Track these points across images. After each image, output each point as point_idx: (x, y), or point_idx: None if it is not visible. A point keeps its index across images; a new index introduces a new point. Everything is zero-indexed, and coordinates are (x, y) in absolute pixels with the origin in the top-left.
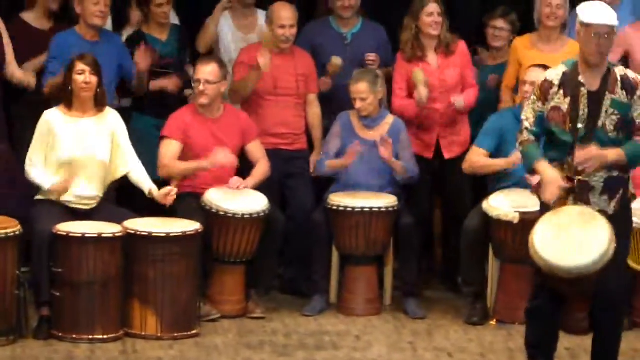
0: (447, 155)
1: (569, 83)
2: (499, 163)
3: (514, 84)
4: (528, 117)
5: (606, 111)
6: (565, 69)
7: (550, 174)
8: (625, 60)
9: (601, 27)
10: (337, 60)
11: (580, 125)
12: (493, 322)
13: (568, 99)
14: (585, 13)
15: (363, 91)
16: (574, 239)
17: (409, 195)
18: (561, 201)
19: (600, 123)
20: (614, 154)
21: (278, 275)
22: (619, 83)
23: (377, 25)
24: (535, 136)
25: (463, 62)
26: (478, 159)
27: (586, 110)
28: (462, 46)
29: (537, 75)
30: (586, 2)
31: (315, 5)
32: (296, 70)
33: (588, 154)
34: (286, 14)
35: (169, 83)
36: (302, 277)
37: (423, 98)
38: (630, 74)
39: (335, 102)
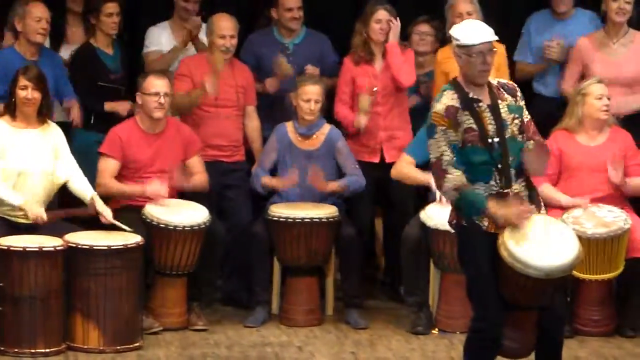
0: (389, 160)
1: (467, 103)
2: (422, 179)
3: None
4: (444, 151)
5: (508, 118)
6: (452, 92)
7: (505, 212)
8: None
9: (483, 46)
10: (286, 67)
11: (495, 139)
12: (435, 331)
13: (472, 119)
14: (463, 35)
15: (319, 93)
16: (547, 242)
17: (350, 205)
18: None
19: (509, 132)
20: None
21: (219, 287)
22: (501, 90)
23: (321, 34)
24: (460, 165)
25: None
26: (405, 167)
27: (493, 123)
28: (409, 54)
29: None
30: (459, 24)
31: (257, 16)
32: (236, 82)
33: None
34: (226, 24)
35: (121, 108)
36: (244, 289)
37: (361, 125)
38: (502, 80)
39: (276, 112)
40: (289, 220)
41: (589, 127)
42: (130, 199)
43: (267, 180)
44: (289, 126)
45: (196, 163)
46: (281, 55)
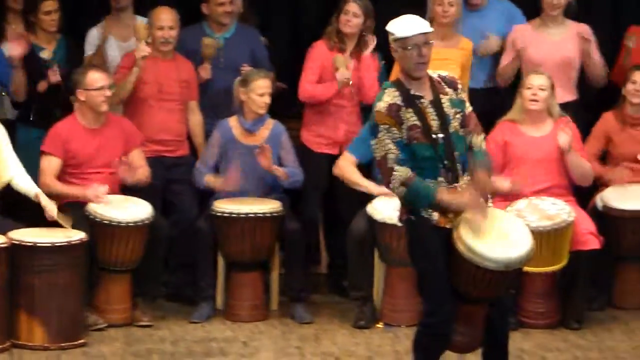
0: None
1: (409, 100)
2: (366, 186)
3: None
4: (389, 149)
5: (450, 113)
6: (394, 89)
7: (460, 199)
8: None
9: (417, 38)
10: (209, 40)
11: (439, 135)
12: (380, 325)
13: (416, 115)
14: (397, 28)
15: (269, 86)
16: (502, 235)
17: (295, 199)
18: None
19: (452, 127)
20: (488, 182)
21: (164, 282)
22: (442, 83)
23: (251, 28)
24: (406, 162)
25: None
26: (347, 167)
27: (436, 118)
28: (376, 59)
29: None
30: (395, 19)
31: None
32: (179, 75)
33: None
34: (165, 16)
35: (50, 76)
36: (188, 284)
37: (345, 79)
38: (443, 72)
39: (217, 107)
40: (233, 215)
41: (529, 118)
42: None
43: (210, 180)
44: (233, 121)
45: (137, 156)
46: (209, 38)
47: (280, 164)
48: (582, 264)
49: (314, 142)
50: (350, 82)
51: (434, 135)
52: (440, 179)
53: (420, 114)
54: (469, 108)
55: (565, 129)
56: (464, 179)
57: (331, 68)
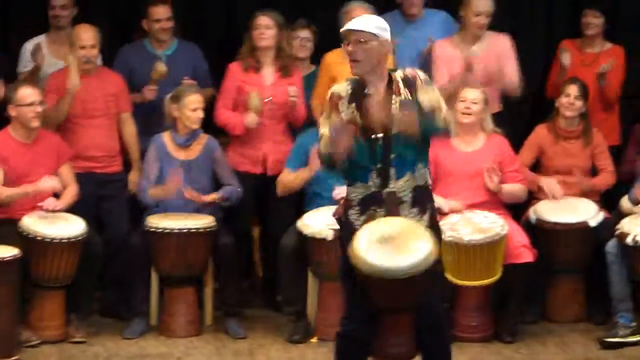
0: (271, 172)
1: (357, 96)
2: (303, 174)
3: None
4: (324, 133)
5: (397, 114)
6: (349, 83)
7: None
8: None
9: (346, 33)
10: (161, 67)
11: (378, 136)
12: (314, 340)
13: (357, 111)
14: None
15: (201, 101)
16: (398, 244)
17: (228, 214)
18: (370, 216)
19: (396, 128)
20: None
21: (98, 298)
22: (401, 84)
23: (193, 45)
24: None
25: (297, 82)
26: (285, 178)
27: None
28: (296, 70)
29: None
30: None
31: (133, 28)
32: (104, 90)
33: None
34: (86, 35)
35: None
36: (122, 300)
37: (252, 125)
38: (408, 70)
39: (154, 119)
40: (166, 231)
41: (462, 131)
42: (13, 206)
43: (154, 192)
44: (166, 136)
45: (66, 172)
46: (160, 64)
47: (216, 180)
48: (516, 277)
49: (238, 161)
50: (267, 99)
51: (372, 136)
52: (370, 183)
53: (362, 112)
54: (429, 104)
55: (492, 172)
56: (400, 184)
57: (244, 91)
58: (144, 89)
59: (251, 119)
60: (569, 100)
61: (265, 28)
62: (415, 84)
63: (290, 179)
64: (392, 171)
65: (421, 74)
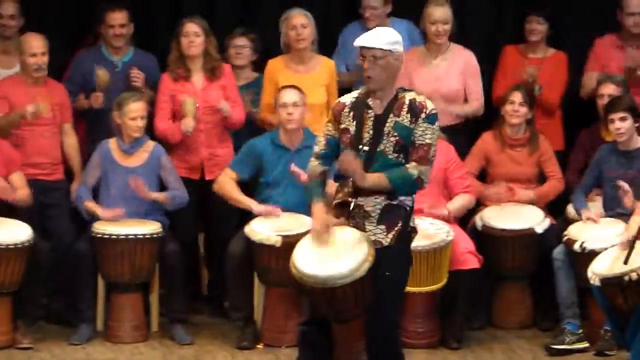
0: (209, 177)
1: (359, 106)
2: (247, 203)
3: (273, 106)
4: (319, 140)
5: (387, 133)
6: (360, 92)
7: (316, 218)
8: None
9: (361, 50)
10: (103, 74)
11: (365, 148)
12: (260, 346)
13: (355, 122)
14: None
15: (144, 109)
16: (332, 254)
17: (174, 220)
18: (339, 223)
19: (382, 146)
20: (373, 176)
21: (44, 305)
22: (405, 107)
23: (148, 54)
24: (323, 159)
25: (229, 84)
26: (227, 183)
27: (371, 132)
28: (227, 69)
29: (290, 96)
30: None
31: (86, 34)
32: (52, 99)
33: (349, 162)
34: (36, 43)
35: None
36: (68, 306)
37: (189, 129)
38: (419, 98)
39: (101, 127)
40: (113, 237)
41: None
42: None
43: (91, 206)
44: (112, 143)
45: (18, 179)
46: (99, 67)
47: (162, 186)
48: (462, 284)
49: (177, 168)
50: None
51: (359, 146)
52: (346, 189)
53: (359, 123)
54: (421, 140)
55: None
56: (371, 200)
57: (177, 100)
58: (90, 97)
59: (187, 124)
60: (514, 107)
61: (195, 36)
62: (420, 115)
63: (228, 193)
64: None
65: (429, 107)
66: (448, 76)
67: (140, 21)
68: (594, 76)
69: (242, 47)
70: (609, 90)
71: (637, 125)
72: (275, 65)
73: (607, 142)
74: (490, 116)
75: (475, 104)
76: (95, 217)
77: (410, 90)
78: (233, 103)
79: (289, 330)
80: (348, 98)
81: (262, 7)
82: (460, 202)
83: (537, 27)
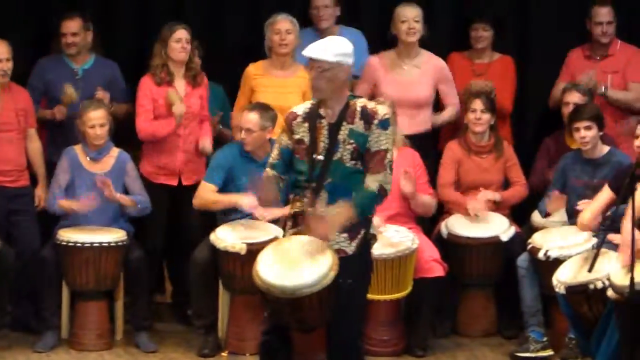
0: (186, 182)
1: (312, 116)
2: (230, 200)
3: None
4: (274, 151)
5: (343, 141)
6: (312, 102)
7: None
8: None
9: (309, 60)
10: (71, 91)
11: (319, 157)
12: (225, 354)
13: (309, 132)
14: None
15: (103, 116)
16: (296, 263)
17: (140, 227)
18: (297, 232)
19: (338, 155)
20: (343, 215)
21: (9, 312)
22: (358, 114)
23: (110, 61)
24: (277, 168)
25: (204, 95)
26: (208, 195)
27: (326, 141)
28: (205, 79)
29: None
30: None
31: (49, 41)
32: (16, 105)
33: (319, 228)
34: (1, 49)
35: None
36: (33, 314)
37: (181, 113)
38: (370, 104)
39: (66, 134)
40: (77, 244)
41: None
42: None
43: (64, 203)
44: (78, 149)
45: None
46: (68, 83)
47: (126, 192)
48: (427, 291)
49: (153, 173)
50: (184, 109)
51: (314, 155)
52: (305, 200)
53: (313, 132)
54: (376, 147)
55: (407, 176)
56: (327, 208)
57: (164, 103)
58: (55, 108)
59: (180, 108)
60: (476, 115)
61: (186, 42)
62: (372, 121)
63: (212, 198)
64: (325, 195)
65: (381, 113)
66: (419, 83)
67: (104, 29)
68: (562, 86)
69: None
70: (574, 98)
71: (601, 134)
72: (253, 69)
73: (571, 150)
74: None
75: (452, 108)
76: (61, 223)
77: (359, 97)
78: (204, 116)
79: (253, 337)
80: (300, 108)
81: (224, 17)
82: (425, 197)
83: (483, 34)
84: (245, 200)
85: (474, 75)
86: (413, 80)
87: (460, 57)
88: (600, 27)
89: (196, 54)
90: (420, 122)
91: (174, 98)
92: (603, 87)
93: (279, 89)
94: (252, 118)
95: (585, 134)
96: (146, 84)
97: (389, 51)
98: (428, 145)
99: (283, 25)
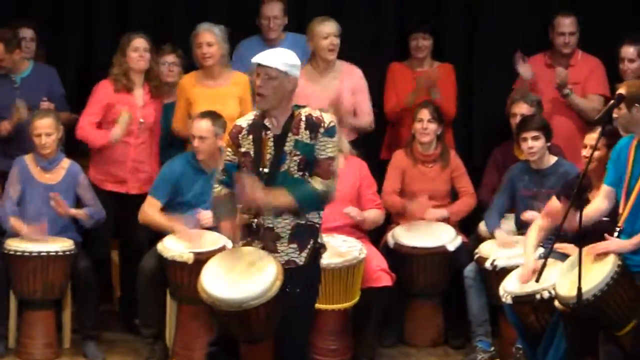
0: (133, 191)
1: (256, 128)
2: (168, 226)
3: (184, 119)
4: (220, 166)
5: (289, 153)
6: (255, 114)
7: (225, 234)
8: None
9: (257, 67)
10: (22, 109)
11: (265, 170)
12: None
13: (253, 144)
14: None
15: (50, 125)
16: (241, 275)
17: (89, 236)
18: (246, 244)
19: (285, 166)
20: (280, 199)
21: None
22: (303, 123)
23: (49, 67)
24: (226, 184)
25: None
26: (150, 212)
27: (272, 153)
28: (164, 91)
29: (197, 128)
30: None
31: None
32: None
33: (252, 195)
34: None
35: None
36: None
37: (117, 139)
38: (315, 113)
39: (18, 144)
40: (25, 254)
41: None
42: None
43: (15, 224)
44: (29, 159)
45: None
46: (20, 101)
47: (79, 203)
48: (374, 301)
49: (101, 180)
50: (141, 120)
51: (260, 168)
52: (251, 210)
53: (258, 144)
54: (323, 155)
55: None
56: (274, 219)
57: (113, 111)
58: (1, 123)
59: (117, 133)
60: (422, 125)
61: (144, 51)
62: (318, 130)
63: (154, 221)
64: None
65: (327, 120)
66: (341, 95)
67: (51, 37)
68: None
69: (173, 64)
70: (522, 109)
71: (548, 144)
72: (187, 80)
73: (519, 161)
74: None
75: (367, 118)
76: (9, 232)
77: (304, 107)
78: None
79: (200, 347)
80: (244, 121)
81: (172, 23)
82: (373, 214)
83: (423, 43)
84: (180, 229)
85: (416, 84)
86: (335, 93)
87: (401, 67)
88: (563, 37)
89: (177, 63)
90: (347, 132)
91: (121, 121)
92: (568, 89)
93: (214, 98)
94: (204, 125)
95: (533, 144)
96: (104, 88)
97: (306, 65)
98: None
99: (204, 38)
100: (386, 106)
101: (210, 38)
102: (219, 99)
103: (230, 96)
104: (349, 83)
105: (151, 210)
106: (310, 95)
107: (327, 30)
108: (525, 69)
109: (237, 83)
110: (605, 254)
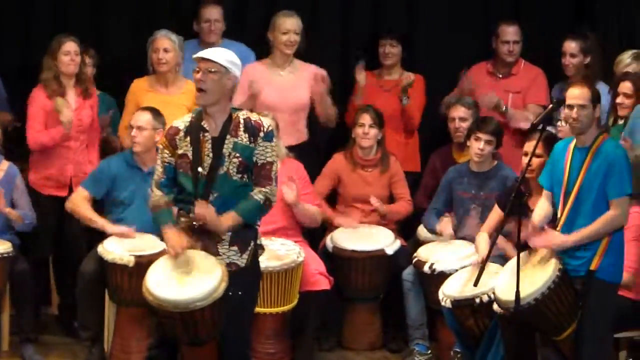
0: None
1: (194, 130)
2: (101, 223)
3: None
4: (157, 169)
5: (228, 155)
6: (192, 116)
7: (171, 241)
8: None
9: (199, 63)
10: None
11: (202, 171)
12: None
13: (190, 146)
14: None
15: None
16: (187, 277)
17: (27, 238)
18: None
19: (224, 168)
20: (229, 220)
21: None
22: (241, 126)
23: None
24: (165, 187)
25: (94, 105)
26: (80, 203)
27: (210, 155)
28: (95, 90)
29: (137, 119)
30: None
31: None
32: None
33: (204, 214)
34: None
35: None
36: None
37: (70, 119)
38: (253, 116)
39: None
40: None
41: None
42: None
43: None
44: None
45: None
46: None
47: (13, 206)
48: (312, 305)
49: (42, 185)
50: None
51: (198, 170)
52: (192, 215)
53: (196, 146)
54: (263, 159)
55: (290, 184)
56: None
57: (54, 113)
58: None
59: (67, 115)
60: (364, 129)
61: (75, 54)
62: (258, 134)
63: (79, 208)
64: (212, 209)
65: (266, 125)
66: (296, 88)
67: None
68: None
69: (87, 65)
70: (459, 113)
71: (495, 151)
72: (139, 85)
73: (458, 164)
74: (344, 136)
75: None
76: None
77: (240, 109)
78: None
79: (138, 350)
80: (181, 122)
81: (109, 29)
82: (309, 206)
83: (391, 50)
84: (110, 229)
85: (384, 91)
86: (291, 86)
87: (369, 74)
88: (506, 45)
89: (89, 64)
90: (300, 130)
91: (60, 106)
92: (504, 106)
93: (164, 105)
94: (144, 116)
95: (485, 146)
96: (38, 96)
97: (263, 60)
98: (311, 156)
99: (161, 44)
100: (348, 112)
101: (167, 44)
102: (168, 106)
103: (180, 105)
104: (305, 77)
105: (79, 200)
106: (265, 87)
107: (287, 26)
108: (466, 84)
109: (188, 92)
110: (548, 257)
